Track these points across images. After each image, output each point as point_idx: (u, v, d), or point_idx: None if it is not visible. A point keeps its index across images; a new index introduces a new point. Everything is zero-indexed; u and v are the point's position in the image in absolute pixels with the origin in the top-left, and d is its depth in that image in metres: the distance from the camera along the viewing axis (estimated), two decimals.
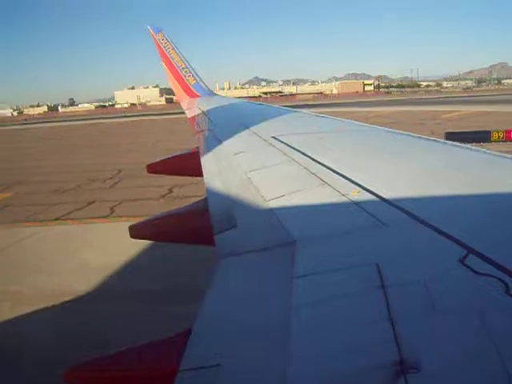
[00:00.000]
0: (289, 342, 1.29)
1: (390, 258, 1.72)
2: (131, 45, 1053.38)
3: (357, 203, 2.33)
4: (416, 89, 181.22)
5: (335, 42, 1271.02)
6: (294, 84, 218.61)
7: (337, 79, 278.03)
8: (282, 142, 4.19)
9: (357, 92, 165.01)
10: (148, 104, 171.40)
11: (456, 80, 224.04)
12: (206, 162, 4.28)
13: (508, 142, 25.92)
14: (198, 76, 14.28)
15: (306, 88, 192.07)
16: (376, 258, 1.70)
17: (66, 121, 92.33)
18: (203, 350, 1.42)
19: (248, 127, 5.61)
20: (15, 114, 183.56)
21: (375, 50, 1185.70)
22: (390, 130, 4.61)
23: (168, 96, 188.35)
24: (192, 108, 10.94)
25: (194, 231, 3.18)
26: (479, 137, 25.21)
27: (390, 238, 1.93)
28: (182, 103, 13.14)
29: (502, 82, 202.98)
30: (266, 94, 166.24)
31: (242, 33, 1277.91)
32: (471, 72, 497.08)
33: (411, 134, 4.22)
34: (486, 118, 39.78)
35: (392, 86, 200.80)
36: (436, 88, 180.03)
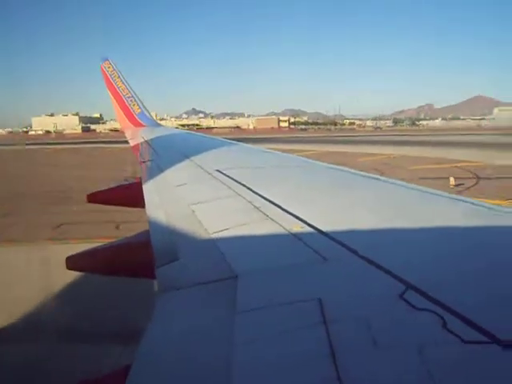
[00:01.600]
0: (230, 381, 1.28)
1: (332, 294, 1.74)
2: (56, 71, 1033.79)
3: (299, 238, 2.37)
4: (330, 126, 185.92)
5: (275, 79, 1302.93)
6: (212, 118, 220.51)
7: (275, 114, 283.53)
8: (226, 176, 4.23)
9: (272, 128, 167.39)
10: (64, 132, 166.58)
11: (378, 119, 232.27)
12: (149, 193, 4.17)
13: None
14: (144, 106, 14.37)
15: (224, 122, 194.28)
16: (318, 293, 1.71)
17: None
18: None
19: (192, 159, 5.64)
20: None
21: (312, 87, 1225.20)
22: (331, 165, 4.72)
23: (85, 125, 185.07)
24: (136, 137, 10.85)
25: (135, 264, 3.10)
26: None
27: (332, 273, 1.96)
28: (126, 132, 13.03)
29: (419, 122, 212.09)
30: (183, 126, 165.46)
31: (182, 64, 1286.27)
32: (402, 112, 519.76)
33: (352, 170, 4.35)
34: (328, 158, 40.59)
35: (309, 123, 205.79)
36: (350, 126, 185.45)
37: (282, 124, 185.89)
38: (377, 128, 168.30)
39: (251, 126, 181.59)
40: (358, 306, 1.63)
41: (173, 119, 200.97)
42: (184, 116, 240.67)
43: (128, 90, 14.23)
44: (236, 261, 2.19)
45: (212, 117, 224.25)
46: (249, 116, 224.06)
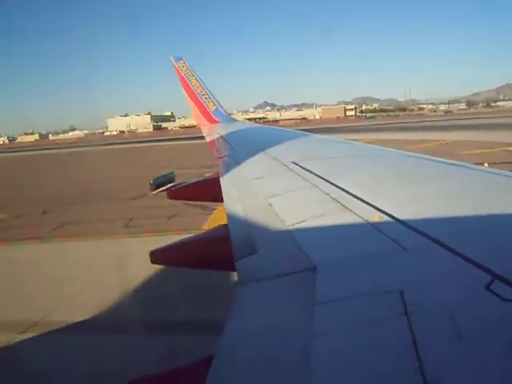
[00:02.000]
0: (310, 372, 1.26)
1: (414, 285, 1.69)
2: (129, 72, 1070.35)
3: (378, 228, 2.33)
4: (399, 113, 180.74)
5: (345, 67, 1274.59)
6: (278, 110, 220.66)
7: (345, 102, 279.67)
8: (302, 167, 4.27)
9: (338, 117, 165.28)
10: (137, 132, 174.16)
11: (452, 103, 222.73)
12: (227, 187, 4.31)
13: None
14: (218, 102, 14.82)
15: (290, 114, 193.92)
16: (399, 284, 1.67)
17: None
18: (223, 379, 1.39)
19: (267, 152, 5.76)
20: (6, 141, 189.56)
21: (384, 74, 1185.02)
22: (406, 152, 4.68)
23: (156, 123, 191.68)
24: (212, 134, 11.20)
25: (216, 257, 3.20)
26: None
27: (413, 263, 1.92)
28: (202, 129, 13.51)
29: (495, 104, 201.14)
30: (249, 119, 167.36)
31: (253, 58, 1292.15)
32: (479, 93, 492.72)
33: (429, 156, 4.29)
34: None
35: (377, 111, 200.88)
36: (419, 112, 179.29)
37: (349, 113, 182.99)
38: (448, 112, 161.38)
39: (317, 117, 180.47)
40: (441, 297, 1.57)
41: (239, 113, 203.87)
42: (251, 110, 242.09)
43: (202, 88, 14.58)
44: (314, 252, 2.20)
45: (278, 109, 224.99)
46: (318, 106, 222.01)
